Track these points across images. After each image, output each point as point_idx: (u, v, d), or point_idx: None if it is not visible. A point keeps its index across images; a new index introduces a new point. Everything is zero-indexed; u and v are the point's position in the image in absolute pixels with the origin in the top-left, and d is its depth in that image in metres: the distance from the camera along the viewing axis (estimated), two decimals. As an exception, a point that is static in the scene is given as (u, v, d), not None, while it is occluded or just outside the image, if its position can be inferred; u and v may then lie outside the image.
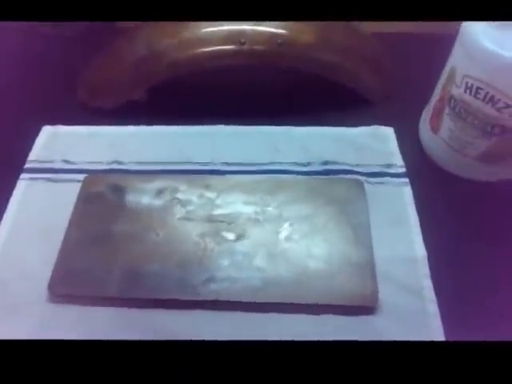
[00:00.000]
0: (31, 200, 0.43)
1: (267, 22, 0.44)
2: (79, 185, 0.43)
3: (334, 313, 0.36)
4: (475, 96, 0.38)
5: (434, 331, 0.35)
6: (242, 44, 0.44)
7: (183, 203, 0.41)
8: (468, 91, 0.38)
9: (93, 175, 0.44)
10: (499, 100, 0.36)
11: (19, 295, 0.37)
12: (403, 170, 0.44)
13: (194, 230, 0.40)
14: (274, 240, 0.39)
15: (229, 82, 0.50)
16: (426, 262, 0.38)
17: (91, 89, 0.50)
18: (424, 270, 0.38)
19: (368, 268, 0.37)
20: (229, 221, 0.40)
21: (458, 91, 0.39)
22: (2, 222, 0.41)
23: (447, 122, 0.42)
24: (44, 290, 0.37)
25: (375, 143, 0.46)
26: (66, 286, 0.37)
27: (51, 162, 0.45)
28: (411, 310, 0.36)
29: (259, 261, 0.38)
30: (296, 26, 0.45)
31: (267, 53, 0.45)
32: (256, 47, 0.44)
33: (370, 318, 0.36)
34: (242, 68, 0.46)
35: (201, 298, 0.36)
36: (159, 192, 0.42)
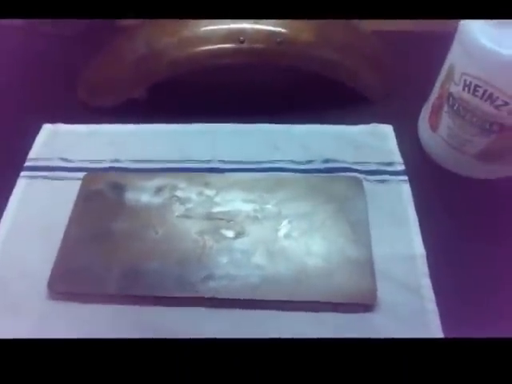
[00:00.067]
0: (31, 198, 0.43)
1: (267, 21, 0.44)
2: (79, 183, 0.43)
3: (333, 310, 0.36)
4: (473, 94, 0.38)
5: (433, 329, 0.35)
6: (242, 42, 0.44)
7: (182, 201, 0.41)
8: (466, 89, 0.38)
9: (92, 173, 0.44)
10: (497, 98, 0.36)
11: (19, 293, 0.37)
12: (402, 167, 0.44)
13: (192, 228, 0.40)
14: (273, 238, 0.39)
15: (228, 80, 0.50)
16: (424, 259, 0.38)
17: (91, 87, 0.50)
18: (423, 268, 0.38)
19: (367, 266, 0.37)
20: (228, 218, 0.40)
21: (456, 89, 0.39)
22: (2, 219, 0.41)
23: (446, 120, 0.42)
24: (44, 287, 0.37)
25: (374, 141, 0.46)
26: (66, 283, 0.37)
27: (51, 160, 0.45)
28: (410, 308, 0.36)
29: (258, 258, 0.38)
30: (295, 25, 0.45)
31: (267, 51, 0.45)
32: (255, 45, 0.44)
33: (368, 315, 0.36)
34: (242, 66, 0.46)
35: (200, 296, 0.36)
36: (158, 190, 0.42)
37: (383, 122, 0.47)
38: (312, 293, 0.36)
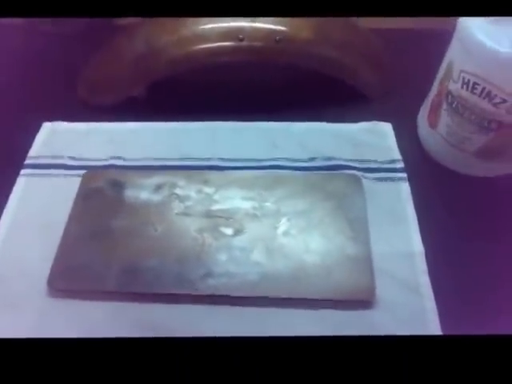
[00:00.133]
0: (31, 196, 0.43)
1: (266, 19, 0.44)
2: (79, 180, 0.43)
3: (332, 307, 0.36)
4: (472, 91, 0.38)
5: (431, 327, 0.35)
6: (241, 40, 0.44)
7: (181, 198, 0.42)
8: (465, 86, 0.38)
9: (92, 171, 0.44)
10: (496, 95, 0.37)
11: (19, 290, 0.37)
12: (401, 165, 0.44)
13: (192, 225, 0.40)
14: (272, 235, 0.39)
15: (228, 78, 0.50)
16: (423, 257, 0.38)
17: (91, 86, 0.50)
18: (421, 265, 0.38)
19: (365, 263, 0.37)
20: (227, 216, 0.40)
21: (455, 86, 0.39)
22: (2, 217, 0.41)
23: (445, 118, 0.42)
24: (44, 284, 0.37)
25: (373, 139, 0.46)
26: (66, 280, 0.37)
27: (51, 158, 0.45)
28: (408, 305, 0.36)
29: (257, 256, 0.38)
30: (294, 22, 0.45)
31: (266, 49, 0.45)
32: (254, 43, 0.44)
33: (367, 312, 0.36)
34: (241, 64, 0.46)
35: (199, 293, 0.36)
36: (158, 187, 0.42)
37: (382, 120, 0.47)
38: (311, 290, 0.36)
